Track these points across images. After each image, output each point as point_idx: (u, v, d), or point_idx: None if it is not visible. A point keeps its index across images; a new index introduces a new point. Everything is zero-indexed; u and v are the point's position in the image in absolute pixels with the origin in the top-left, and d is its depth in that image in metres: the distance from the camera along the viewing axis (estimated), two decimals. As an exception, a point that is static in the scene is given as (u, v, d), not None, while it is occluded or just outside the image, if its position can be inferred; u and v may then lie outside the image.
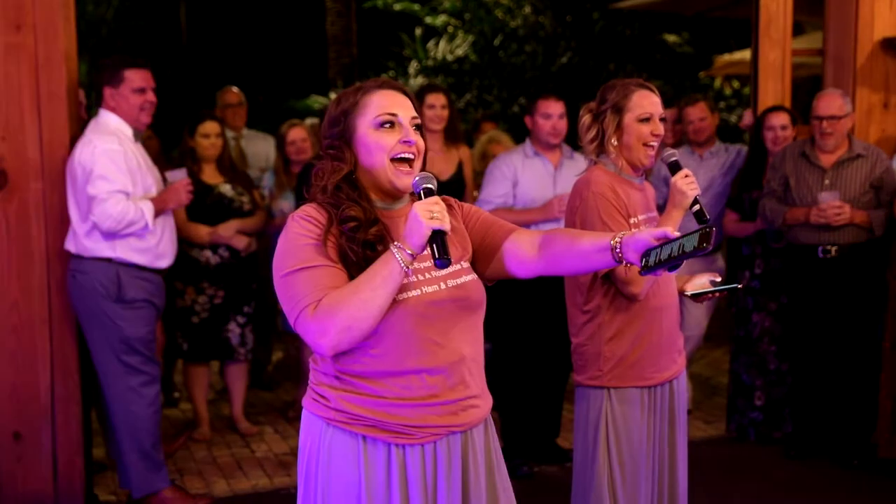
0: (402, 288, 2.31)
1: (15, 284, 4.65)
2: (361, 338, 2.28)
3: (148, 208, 4.58)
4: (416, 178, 2.35)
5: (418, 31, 13.40)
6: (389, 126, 2.39)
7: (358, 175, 2.41)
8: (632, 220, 3.29)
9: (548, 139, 5.42)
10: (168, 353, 6.20)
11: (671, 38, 12.85)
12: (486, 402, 2.49)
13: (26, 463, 4.72)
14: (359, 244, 2.32)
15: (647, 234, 2.24)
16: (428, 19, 13.35)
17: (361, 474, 2.35)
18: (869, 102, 5.77)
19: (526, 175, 5.32)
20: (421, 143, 2.42)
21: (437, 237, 2.23)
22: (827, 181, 5.21)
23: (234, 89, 7.11)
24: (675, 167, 3.29)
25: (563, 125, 5.45)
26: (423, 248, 2.25)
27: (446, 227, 2.24)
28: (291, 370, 7.04)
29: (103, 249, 4.55)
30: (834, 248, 5.19)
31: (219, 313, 5.63)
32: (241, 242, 5.61)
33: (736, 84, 12.86)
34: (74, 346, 4.77)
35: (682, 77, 12.53)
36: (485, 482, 2.45)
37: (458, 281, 2.41)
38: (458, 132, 5.89)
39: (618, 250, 2.28)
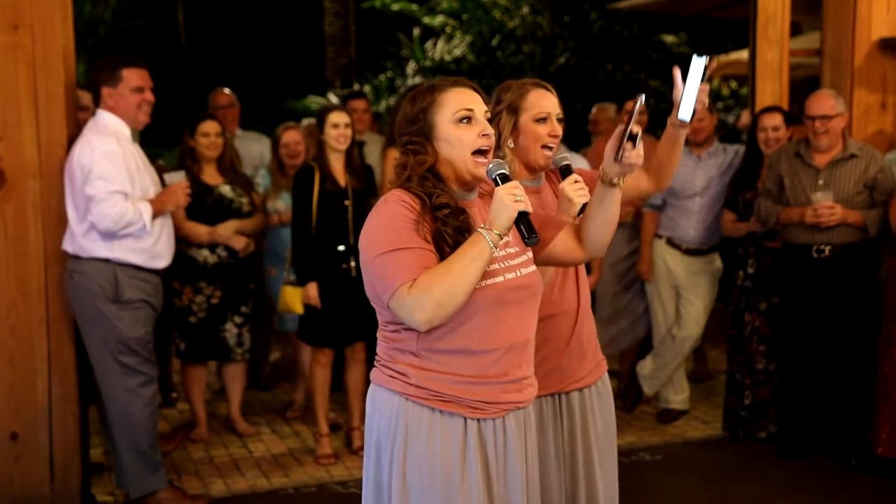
0: (487, 275, 2.52)
1: (13, 285, 4.65)
2: (453, 313, 2.46)
3: (146, 209, 4.57)
4: (490, 166, 2.55)
5: (416, 32, 13.42)
6: (468, 121, 2.58)
7: (438, 167, 2.59)
8: None
9: (545, 140, 5.41)
10: (162, 352, 6.21)
11: (669, 38, 12.87)
12: (535, 381, 2.73)
13: (23, 463, 4.71)
14: (452, 228, 2.52)
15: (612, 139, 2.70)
16: (426, 20, 13.37)
17: (438, 447, 2.53)
18: (866, 102, 5.78)
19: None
20: (493, 133, 2.61)
21: (523, 218, 2.47)
22: (821, 181, 5.22)
23: (226, 91, 7.08)
24: (566, 171, 3.16)
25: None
26: (509, 230, 2.48)
27: (530, 208, 2.48)
28: (289, 370, 7.04)
29: (101, 250, 4.55)
30: (828, 248, 5.20)
31: (216, 313, 5.63)
32: (239, 243, 5.61)
33: (734, 84, 12.87)
34: (72, 346, 4.77)
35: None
36: (534, 445, 2.74)
37: (529, 269, 2.66)
38: None
39: (602, 173, 2.69)
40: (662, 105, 11.64)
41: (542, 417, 3.15)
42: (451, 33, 13.13)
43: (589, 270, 5.75)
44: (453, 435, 2.54)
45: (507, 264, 2.59)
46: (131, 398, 4.64)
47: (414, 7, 13.60)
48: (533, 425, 2.74)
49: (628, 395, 6.44)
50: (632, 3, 10.20)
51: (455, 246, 2.49)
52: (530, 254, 2.70)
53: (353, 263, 5.34)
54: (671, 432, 5.99)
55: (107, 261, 4.56)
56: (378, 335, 2.66)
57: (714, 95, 12.60)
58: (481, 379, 2.55)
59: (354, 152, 5.59)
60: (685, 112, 3.03)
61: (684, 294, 6.04)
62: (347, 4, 14.19)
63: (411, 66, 13.20)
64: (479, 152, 2.58)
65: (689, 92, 3.00)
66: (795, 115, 5.78)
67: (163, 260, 4.75)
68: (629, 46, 12.45)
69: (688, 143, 6.01)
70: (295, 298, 5.38)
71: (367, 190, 5.50)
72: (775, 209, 5.29)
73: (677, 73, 3.05)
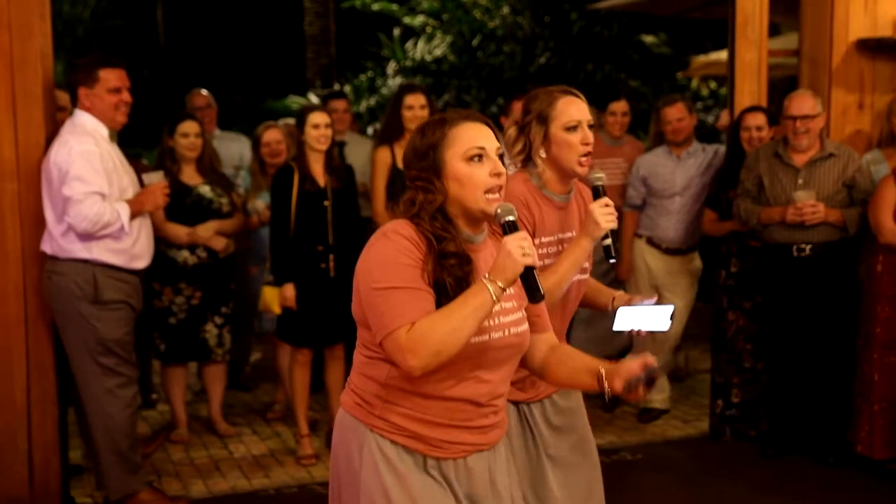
0: (478, 331, 2.44)
1: (-10, 286, 4.62)
2: (447, 360, 2.41)
3: (124, 210, 4.55)
4: (499, 210, 2.46)
5: (396, 32, 13.41)
6: (479, 159, 2.49)
7: (447, 205, 2.51)
8: (536, 241, 3.08)
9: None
10: (142, 353, 6.18)
11: (649, 38, 12.91)
12: (506, 422, 2.69)
13: (2, 465, 4.69)
14: (455, 279, 2.45)
15: (633, 365, 2.59)
16: (406, 20, 13.37)
17: (398, 480, 2.50)
18: (844, 103, 5.82)
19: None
20: (504, 171, 2.52)
21: (530, 273, 2.38)
22: (800, 180, 5.25)
23: (203, 91, 7.06)
24: (597, 193, 3.11)
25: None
26: (513, 283, 2.40)
27: (538, 263, 2.41)
28: (269, 371, 7.02)
29: (79, 251, 4.53)
30: (808, 247, 5.23)
31: (196, 314, 5.61)
32: (219, 243, 5.59)
33: (713, 84, 12.94)
34: (51, 347, 4.75)
35: (659, 78, 12.59)
36: (508, 484, 2.68)
37: (519, 329, 2.58)
38: None
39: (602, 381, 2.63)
40: (642, 105, 11.68)
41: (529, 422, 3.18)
42: (432, 33, 13.13)
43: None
44: (416, 470, 2.52)
45: (498, 321, 2.52)
46: (110, 399, 4.62)
47: (394, 7, 13.59)
48: (504, 465, 2.68)
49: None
50: (612, 3, 10.22)
51: (453, 296, 2.42)
52: (524, 312, 2.62)
53: (332, 263, 5.34)
54: (652, 431, 6.01)
55: (85, 261, 4.54)
56: (354, 355, 2.63)
57: (693, 96, 12.65)
58: (445, 421, 2.52)
59: (334, 152, 5.59)
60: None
61: (664, 293, 6.06)
62: (327, 4, 14.16)
63: (392, 66, 13.19)
64: (490, 191, 2.49)
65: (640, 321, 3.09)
66: (774, 115, 5.80)
67: (142, 260, 4.73)
68: (609, 47, 12.48)
69: (668, 143, 6.06)
70: (273, 298, 5.38)
71: (346, 190, 5.49)
72: (755, 209, 5.32)
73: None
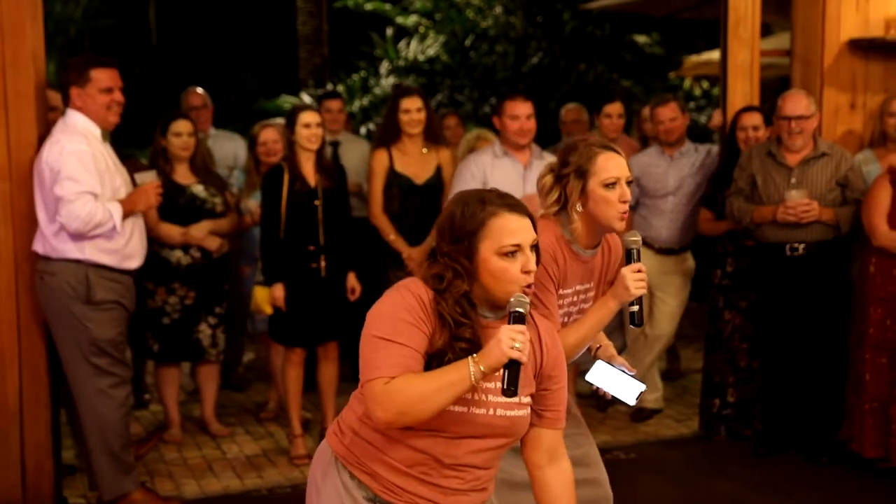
0: (458, 401, 2.45)
1: (-18, 286, 4.61)
2: (415, 424, 2.44)
3: (116, 210, 4.54)
4: (512, 299, 2.44)
5: (389, 31, 13.41)
6: (513, 255, 2.48)
7: (473, 289, 2.51)
8: (561, 292, 3.10)
9: (516, 140, 5.43)
10: (136, 353, 6.18)
11: (641, 38, 12.93)
12: (481, 496, 2.62)
13: (-6, 466, 4.68)
14: (457, 356, 2.44)
15: None
16: (399, 19, 13.36)
17: None
18: (836, 103, 5.83)
19: (495, 175, 5.32)
20: (535, 268, 2.51)
21: (512, 366, 2.36)
22: (793, 180, 5.26)
23: (198, 90, 7.05)
24: (629, 257, 3.09)
25: (531, 125, 5.45)
26: (495, 371, 2.38)
27: (524, 359, 2.36)
28: (262, 371, 7.02)
29: (72, 251, 4.52)
30: (801, 246, 5.24)
31: (190, 314, 5.60)
32: (213, 244, 5.58)
33: (705, 84, 12.95)
34: (43, 348, 4.74)
35: (651, 77, 12.61)
36: None
37: (509, 413, 2.53)
38: (437, 134, 5.86)
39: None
40: (634, 105, 11.70)
41: None
42: (425, 33, 13.12)
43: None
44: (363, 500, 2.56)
45: (485, 398, 2.50)
46: (103, 400, 4.61)
47: (387, 7, 13.59)
48: None
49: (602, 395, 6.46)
50: (604, 3, 10.22)
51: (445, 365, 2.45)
52: (527, 398, 2.57)
53: (323, 263, 5.34)
54: (645, 431, 6.02)
55: (78, 262, 4.53)
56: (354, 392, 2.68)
57: (686, 96, 12.67)
58: (402, 467, 2.53)
59: (325, 152, 5.59)
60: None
61: (657, 293, 6.07)
62: (320, 4, 14.15)
63: (385, 66, 13.19)
64: (521, 287, 2.49)
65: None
66: (767, 115, 5.82)
67: (135, 260, 4.73)
68: (602, 46, 12.49)
69: (660, 143, 6.07)
70: (264, 299, 5.38)
71: (337, 190, 5.49)
72: (749, 208, 5.33)
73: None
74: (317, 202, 5.34)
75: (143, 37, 17.71)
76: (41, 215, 4.53)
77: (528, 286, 2.48)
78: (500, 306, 2.52)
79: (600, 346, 3.35)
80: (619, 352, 6.23)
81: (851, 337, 5.28)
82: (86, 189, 4.45)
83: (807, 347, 5.32)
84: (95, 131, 4.62)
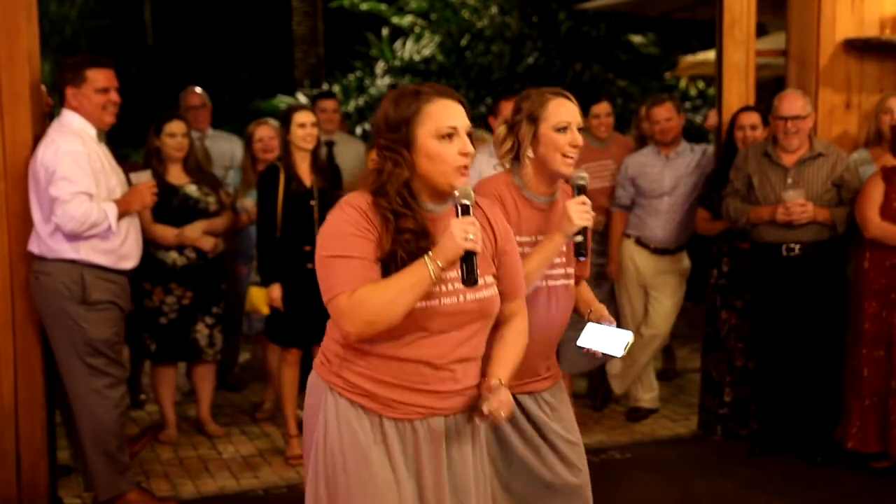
0: (426, 296, 2.53)
1: (-23, 286, 4.60)
2: (383, 330, 2.51)
3: (111, 210, 4.54)
4: (456, 193, 2.54)
5: (385, 32, 13.39)
6: (450, 138, 2.56)
7: (413, 180, 2.58)
8: (521, 239, 3.07)
9: (513, 139, 5.42)
10: (132, 354, 6.17)
11: (637, 38, 12.92)
12: (475, 392, 2.69)
13: (-11, 466, 4.67)
14: (408, 253, 2.53)
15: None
16: (395, 19, 13.35)
17: (352, 436, 2.58)
18: (831, 103, 5.84)
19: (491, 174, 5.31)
20: (472, 150, 2.59)
21: (469, 257, 2.48)
22: (790, 180, 5.27)
23: (198, 90, 7.05)
24: (579, 191, 3.12)
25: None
26: (453, 264, 2.49)
27: (478, 248, 2.48)
28: (258, 371, 7.01)
29: (67, 251, 4.51)
30: (797, 247, 5.24)
31: (187, 314, 5.60)
32: (207, 243, 5.58)
33: (701, 85, 12.95)
34: (38, 348, 4.73)
35: (647, 78, 12.60)
36: (469, 463, 2.70)
37: (478, 295, 2.62)
38: None
39: None
40: (630, 105, 11.70)
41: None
42: (420, 33, 13.11)
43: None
44: (366, 428, 2.59)
45: (448, 288, 2.57)
46: (98, 400, 4.61)
47: (383, 7, 13.58)
48: (469, 436, 2.71)
49: (598, 394, 6.47)
50: (599, 3, 10.23)
51: (402, 268, 2.51)
52: (490, 278, 2.67)
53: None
54: (640, 431, 6.03)
55: (73, 262, 4.52)
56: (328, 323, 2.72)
57: (682, 96, 12.67)
58: (397, 381, 2.59)
59: (320, 152, 5.58)
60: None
61: (652, 293, 6.08)
62: (316, 4, 14.13)
63: (380, 66, 13.17)
64: (459, 169, 2.56)
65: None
66: (762, 115, 5.82)
67: (130, 261, 4.72)
68: (597, 47, 12.49)
69: (656, 143, 6.07)
70: (260, 299, 5.38)
71: (333, 190, 5.49)
72: (745, 208, 5.33)
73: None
74: (313, 202, 5.34)
75: (138, 37, 17.68)
76: (36, 215, 4.52)
77: (465, 168, 2.55)
78: (441, 194, 2.59)
79: (591, 310, 3.35)
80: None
81: (848, 337, 5.28)
82: (81, 189, 4.44)
83: (803, 348, 5.32)
84: (91, 131, 4.61)
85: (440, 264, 2.47)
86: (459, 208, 2.51)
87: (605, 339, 3.12)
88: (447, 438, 2.66)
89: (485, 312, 2.65)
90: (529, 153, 3.14)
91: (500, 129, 3.24)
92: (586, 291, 3.40)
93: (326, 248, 2.55)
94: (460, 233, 2.45)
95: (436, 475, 2.64)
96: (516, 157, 3.20)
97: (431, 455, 2.64)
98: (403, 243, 2.53)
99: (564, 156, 3.11)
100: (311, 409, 2.72)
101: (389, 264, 2.53)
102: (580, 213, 3.03)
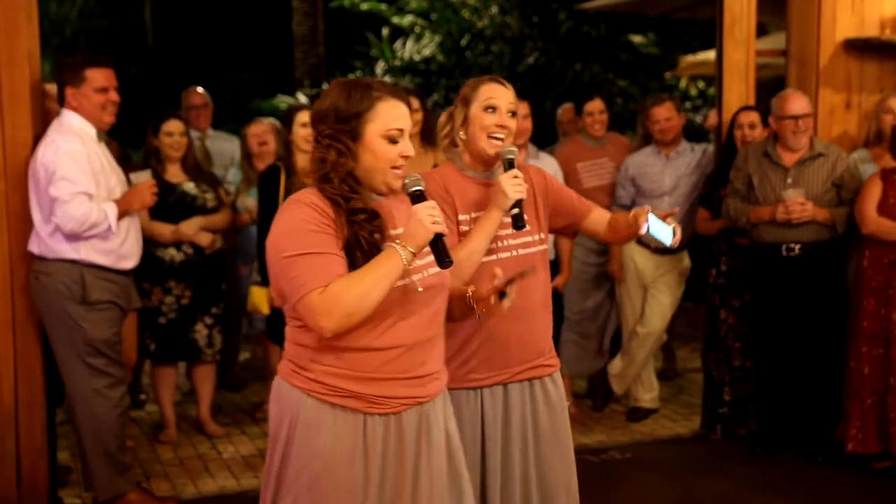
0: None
1: (-23, 286, 4.60)
2: (360, 322, 2.52)
3: (111, 210, 4.54)
4: (407, 181, 2.61)
5: (385, 31, 13.39)
6: (395, 139, 2.61)
7: (356, 171, 2.61)
8: (461, 217, 3.17)
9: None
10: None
11: (637, 38, 12.92)
12: (444, 375, 2.79)
13: (-11, 466, 4.67)
14: (368, 233, 2.57)
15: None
16: (395, 19, 13.35)
17: (335, 442, 2.57)
18: (831, 103, 5.84)
19: None
20: (412, 152, 2.66)
21: (439, 239, 2.54)
22: (790, 180, 5.27)
23: (199, 90, 7.06)
24: (508, 165, 3.15)
25: (527, 125, 5.46)
26: (423, 249, 2.54)
27: (446, 230, 2.55)
28: (258, 371, 7.01)
29: (67, 251, 4.51)
30: (797, 247, 5.24)
31: (186, 314, 5.60)
32: (205, 239, 5.57)
33: (701, 84, 12.95)
34: (39, 348, 4.73)
35: (647, 78, 12.60)
36: (444, 444, 2.75)
37: (436, 269, 2.66)
38: (433, 135, 5.86)
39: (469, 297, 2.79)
40: (630, 105, 11.69)
41: (506, 404, 3.18)
42: (420, 33, 13.11)
43: (559, 269, 5.78)
44: (350, 430, 2.59)
45: (414, 264, 2.62)
46: (99, 400, 4.61)
47: (383, 7, 13.57)
48: (443, 418, 2.75)
49: (598, 394, 6.47)
50: (600, 3, 10.23)
51: (369, 250, 2.55)
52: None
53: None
54: (641, 431, 6.03)
55: (73, 262, 4.52)
56: (286, 331, 2.71)
57: (682, 96, 12.67)
58: (381, 375, 2.60)
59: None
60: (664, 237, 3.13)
61: (650, 290, 6.07)
62: (316, 4, 14.13)
63: (380, 66, 13.17)
64: (396, 167, 2.63)
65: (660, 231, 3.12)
66: (762, 115, 5.82)
67: (130, 260, 4.72)
68: (597, 46, 12.48)
69: (656, 142, 6.07)
70: (261, 299, 5.37)
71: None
72: (745, 208, 5.33)
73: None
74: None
75: (138, 37, 17.68)
76: (36, 216, 4.52)
77: (399, 167, 2.61)
78: (377, 189, 2.64)
79: (636, 215, 3.24)
80: (615, 350, 6.29)
81: (849, 338, 5.28)
82: (81, 190, 4.44)
83: (803, 348, 5.32)
84: (91, 131, 4.61)
85: (412, 250, 2.52)
86: (415, 195, 2.59)
87: (662, 230, 3.11)
88: (430, 424, 2.70)
89: (444, 286, 2.73)
90: (462, 134, 3.22)
91: (442, 117, 3.33)
92: (606, 214, 3.38)
93: (287, 248, 2.53)
94: (427, 217, 2.52)
95: (419, 464, 2.66)
96: (454, 143, 3.27)
97: (417, 444, 2.66)
98: (360, 224, 2.56)
99: (490, 136, 3.17)
100: (277, 419, 2.68)
101: (354, 251, 2.55)
102: (513, 186, 3.06)
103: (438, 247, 2.55)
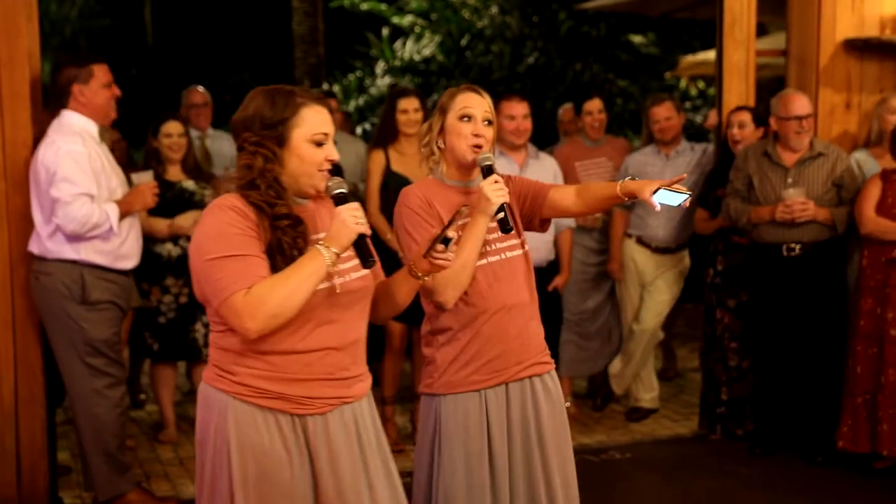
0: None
1: (-23, 286, 4.60)
2: (284, 323, 2.55)
3: (113, 211, 4.54)
4: (330, 183, 2.65)
5: (385, 31, 13.40)
6: (321, 143, 2.67)
7: (283, 176, 2.65)
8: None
9: (512, 140, 5.43)
10: (134, 354, 6.17)
11: (637, 38, 12.92)
12: (369, 377, 2.83)
13: (-11, 466, 4.67)
14: (291, 238, 2.59)
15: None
16: (395, 19, 13.35)
17: (264, 444, 2.60)
18: (831, 103, 5.84)
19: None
20: (337, 156, 2.72)
21: (362, 240, 2.57)
22: (790, 180, 5.27)
23: (200, 89, 7.07)
24: (487, 171, 3.14)
25: (527, 125, 5.46)
26: (347, 249, 2.57)
27: (368, 231, 2.58)
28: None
29: (67, 251, 4.51)
30: (798, 247, 5.24)
31: (185, 313, 5.59)
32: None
33: (701, 84, 12.95)
34: (39, 348, 4.73)
35: (648, 77, 12.60)
36: (375, 444, 2.78)
37: (361, 273, 2.72)
38: None
39: (412, 265, 2.78)
40: (630, 105, 11.70)
41: (508, 403, 3.19)
42: (420, 33, 13.12)
43: (560, 270, 5.78)
44: (278, 432, 2.61)
45: (337, 268, 2.64)
46: (98, 400, 4.61)
47: (383, 7, 13.58)
48: (369, 418, 2.78)
49: (599, 394, 6.47)
50: (600, 3, 10.23)
51: (290, 254, 2.57)
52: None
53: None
54: (641, 431, 6.02)
55: (73, 262, 4.52)
56: (209, 336, 2.72)
57: (682, 96, 12.67)
58: (305, 376, 2.62)
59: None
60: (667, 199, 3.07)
61: (648, 288, 6.07)
62: (316, 4, 14.12)
63: (380, 66, 13.18)
64: (322, 171, 2.67)
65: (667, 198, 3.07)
66: (762, 115, 5.82)
67: (130, 260, 4.72)
68: (597, 46, 12.49)
69: (656, 142, 6.07)
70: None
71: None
72: (746, 208, 5.33)
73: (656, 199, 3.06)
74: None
75: (138, 37, 17.69)
76: (37, 216, 4.52)
77: (322, 170, 2.66)
78: (304, 193, 2.69)
79: (622, 184, 3.22)
80: (616, 351, 6.29)
81: (849, 338, 5.28)
82: (82, 191, 4.44)
83: (803, 348, 5.32)
84: (93, 130, 4.61)
85: (336, 251, 2.54)
86: (337, 197, 2.61)
87: (670, 197, 3.08)
88: (359, 425, 2.72)
89: (367, 289, 2.76)
90: (440, 143, 3.23)
91: (423, 126, 3.34)
92: (569, 187, 3.34)
93: (210, 251, 2.55)
94: (351, 218, 2.55)
95: (348, 465, 2.67)
96: (433, 152, 3.28)
97: (345, 444, 2.68)
98: (283, 229, 2.58)
99: (469, 145, 3.18)
100: (204, 423, 2.70)
101: (276, 256, 2.57)
102: (495, 191, 3.07)
103: (362, 247, 2.57)
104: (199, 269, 2.59)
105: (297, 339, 2.60)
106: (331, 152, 2.67)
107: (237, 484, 2.60)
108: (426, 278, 2.81)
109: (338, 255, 2.55)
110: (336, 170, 5.81)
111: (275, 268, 2.56)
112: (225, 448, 2.61)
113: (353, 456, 2.69)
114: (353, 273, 2.70)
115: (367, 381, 2.81)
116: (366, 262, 2.59)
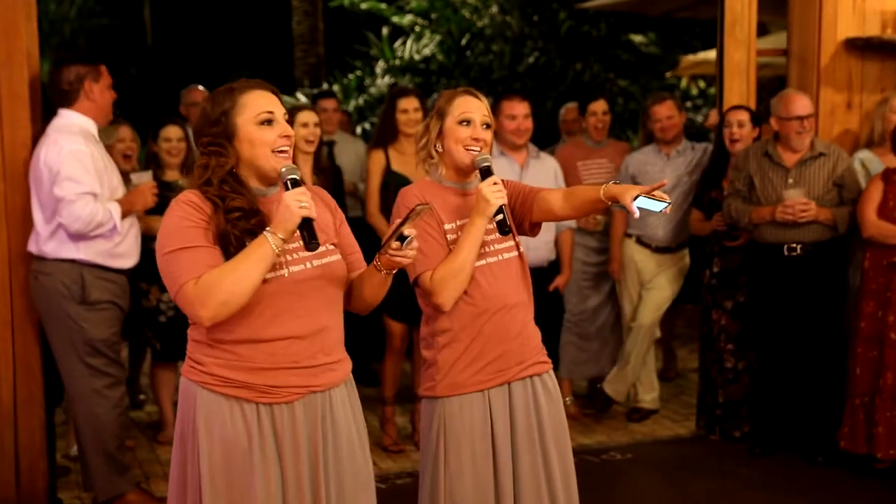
0: (272, 268, 2.64)
1: (-24, 286, 4.60)
2: (237, 310, 2.59)
3: (116, 210, 4.54)
4: (283, 170, 2.67)
5: (385, 31, 13.38)
6: (269, 123, 2.69)
7: (238, 168, 2.71)
8: (447, 227, 3.17)
9: (513, 139, 5.43)
10: (133, 354, 6.16)
11: (637, 38, 12.91)
12: (345, 365, 2.84)
13: (-12, 466, 4.66)
14: (241, 231, 2.63)
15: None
16: (395, 19, 13.34)
17: (231, 433, 2.65)
18: (832, 102, 5.83)
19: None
20: (293, 134, 2.75)
21: (307, 224, 2.59)
22: (791, 180, 5.26)
23: (200, 88, 7.08)
24: (485, 173, 3.14)
25: (527, 125, 5.45)
26: (293, 233, 2.59)
27: (314, 214, 2.60)
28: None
29: (67, 251, 4.50)
30: (799, 247, 5.23)
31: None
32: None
33: (702, 84, 12.95)
34: (38, 348, 4.73)
35: (648, 77, 12.59)
36: (345, 435, 2.79)
37: (324, 261, 2.75)
38: None
39: (375, 260, 2.76)
40: (631, 105, 11.68)
41: (511, 402, 3.19)
42: (420, 32, 13.10)
43: (560, 270, 5.77)
44: (245, 420, 2.66)
45: (294, 256, 2.69)
46: (98, 400, 4.60)
47: (383, 6, 13.57)
48: (341, 407, 2.79)
49: (600, 395, 6.46)
50: (600, 2, 10.22)
51: (238, 244, 2.61)
52: (332, 245, 2.79)
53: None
54: (641, 431, 6.02)
55: (73, 262, 4.51)
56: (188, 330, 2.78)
57: (683, 95, 12.66)
58: (269, 365, 2.66)
59: (323, 153, 5.56)
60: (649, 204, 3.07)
61: (646, 286, 6.06)
62: (316, 3, 14.13)
63: (380, 66, 13.16)
64: (280, 151, 2.70)
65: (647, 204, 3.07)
66: (762, 114, 5.81)
67: (129, 260, 4.71)
68: (598, 46, 12.48)
69: (657, 141, 6.06)
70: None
71: (334, 191, 5.46)
72: (747, 209, 5.33)
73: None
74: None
75: (138, 36, 17.68)
76: (37, 216, 4.51)
77: (284, 150, 2.70)
78: (268, 178, 2.72)
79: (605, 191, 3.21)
80: (615, 353, 6.27)
81: (850, 340, 5.27)
82: (86, 190, 4.43)
83: (804, 348, 5.31)
84: (93, 130, 4.61)
85: (281, 236, 2.57)
86: (289, 183, 2.62)
87: (650, 204, 3.09)
88: (326, 415, 2.74)
89: (333, 277, 2.77)
90: (438, 146, 3.24)
91: (420, 128, 3.34)
92: (557, 191, 3.33)
93: (166, 245, 2.64)
94: (294, 203, 2.57)
95: (314, 455, 2.70)
96: (431, 155, 3.28)
97: (311, 435, 2.70)
98: (234, 222, 2.63)
99: (467, 148, 3.18)
100: (181, 413, 2.76)
101: (227, 247, 2.62)
102: (494, 193, 3.08)
103: (304, 231, 2.58)
104: (160, 264, 2.66)
105: (257, 328, 2.64)
106: (283, 129, 2.70)
107: (205, 472, 2.65)
108: (386, 272, 2.77)
109: (283, 239, 2.58)
110: (335, 171, 5.85)
111: (228, 256, 2.61)
112: (195, 437, 2.68)
113: (315, 446, 2.71)
114: (315, 261, 2.72)
115: (342, 369, 2.82)
116: (308, 245, 2.59)
